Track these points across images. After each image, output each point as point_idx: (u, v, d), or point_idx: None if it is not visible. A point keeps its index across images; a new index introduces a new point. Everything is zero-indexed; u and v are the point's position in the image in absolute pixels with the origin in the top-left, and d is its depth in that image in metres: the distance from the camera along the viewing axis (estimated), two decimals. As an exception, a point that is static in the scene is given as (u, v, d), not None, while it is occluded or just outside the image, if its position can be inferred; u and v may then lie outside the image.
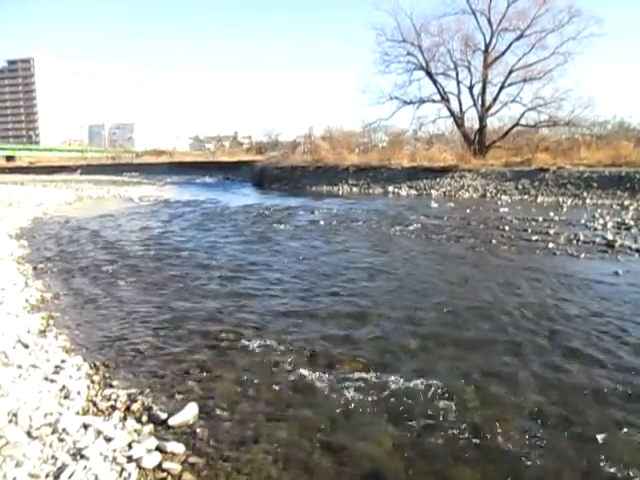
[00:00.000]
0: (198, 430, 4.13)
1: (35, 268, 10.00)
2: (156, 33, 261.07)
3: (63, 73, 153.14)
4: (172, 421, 4.20)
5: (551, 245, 12.33)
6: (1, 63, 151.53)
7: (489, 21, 35.02)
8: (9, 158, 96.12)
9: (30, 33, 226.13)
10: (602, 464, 3.73)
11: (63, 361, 5.24)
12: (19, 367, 4.96)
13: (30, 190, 35.41)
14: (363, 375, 5.14)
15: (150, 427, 4.10)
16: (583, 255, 11.14)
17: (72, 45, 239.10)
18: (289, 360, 5.56)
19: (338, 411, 4.48)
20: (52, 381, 4.72)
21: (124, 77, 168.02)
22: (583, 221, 16.37)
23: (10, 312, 6.79)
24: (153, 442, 3.82)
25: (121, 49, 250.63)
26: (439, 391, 4.81)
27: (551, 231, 14.35)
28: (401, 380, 5.01)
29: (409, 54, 37.44)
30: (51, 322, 6.68)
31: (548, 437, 4.07)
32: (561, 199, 24.19)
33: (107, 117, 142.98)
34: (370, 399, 4.67)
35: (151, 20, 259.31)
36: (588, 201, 23.36)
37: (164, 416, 4.26)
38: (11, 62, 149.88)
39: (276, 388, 4.93)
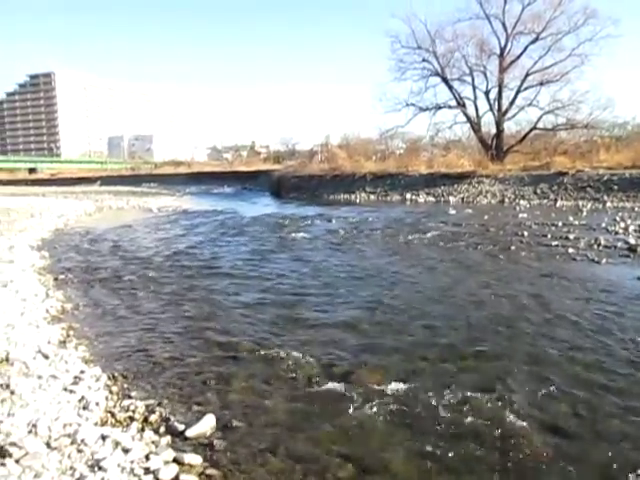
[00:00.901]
0: (215, 442, 4.11)
1: (56, 279, 10.13)
2: (172, 46, 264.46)
3: (83, 86, 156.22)
4: (189, 432, 4.19)
5: (571, 250, 12.14)
6: (23, 78, 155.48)
7: (504, 25, 34.85)
8: (31, 170, 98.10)
9: (51, 50, 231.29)
10: None
11: (82, 372, 5.28)
12: (39, 377, 5.01)
13: (51, 201, 36.02)
14: (382, 386, 5.08)
15: (168, 438, 4.10)
16: (604, 260, 10.94)
17: (90, 63, 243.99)
18: (307, 371, 5.53)
19: (356, 422, 4.43)
20: (71, 392, 4.76)
21: (143, 90, 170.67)
22: (604, 225, 16.10)
23: (31, 323, 6.88)
24: (170, 454, 3.82)
25: (139, 65, 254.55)
26: (460, 403, 4.73)
27: (571, 236, 14.13)
28: (420, 391, 4.95)
29: (424, 60, 37.42)
30: (71, 333, 6.74)
31: (573, 453, 3.97)
32: (581, 203, 23.85)
33: (126, 129, 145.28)
34: (389, 410, 4.61)
35: (167, 34, 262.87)
36: (609, 204, 22.98)
37: (182, 427, 4.25)
38: (33, 77, 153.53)
39: (294, 399, 4.91)
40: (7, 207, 28.16)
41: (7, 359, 5.40)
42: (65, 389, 4.81)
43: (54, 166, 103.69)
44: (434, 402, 4.73)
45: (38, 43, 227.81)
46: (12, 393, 4.56)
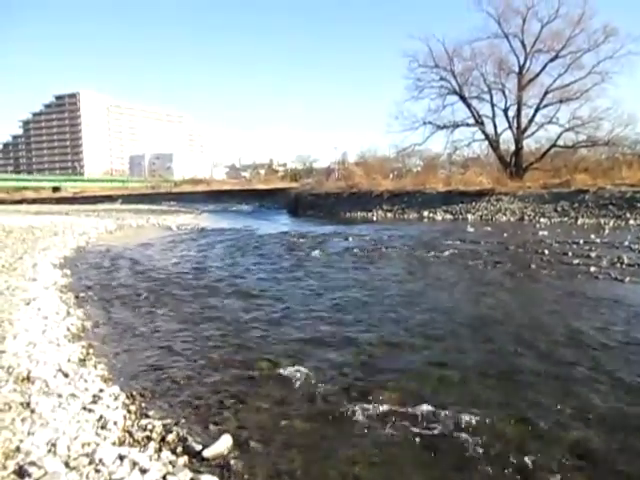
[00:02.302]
0: (232, 462, 4.09)
1: (77, 297, 10.25)
2: (192, 66, 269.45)
3: (106, 106, 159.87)
4: (206, 453, 4.18)
5: (593, 269, 11.94)
6: (49, 98, 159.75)
7: (522, 43, 34.93)
8: (55, 189, 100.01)
9: (74, 70, 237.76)
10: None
11: (101, 390, 5.31)
12: (59, 396, 5.04)
13: (74, 220, 36.55)
14: (399, 407, 5.02)
15: (185, 459, 4.09)
16: (628, 279, 10.74)
17: (110, 83, 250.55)
18: (324, 391, 5.49)
19: (373, 444, 4.38)
20: (90, 411, 4.78)
21: (164, 110, 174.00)
22: (627, 243, 15.85)
23: (52, 341, 6.95)
24: (187, 474, 3.80)
25: (158, 85, 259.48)
26: (480, 424, 4.64)
27: (593, 254, 13.92)
28: (439, 412, 4.86)
29: (442, 79, 37.62)
30: (91, 351, 6.80)
31: (596, 477, 3.87)
32: (602, 220, 23.53)
33: (147, 148, 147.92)
34: (407, 432, 4.55)
35: (186, 55, 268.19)
36: (632, 222, 22.63)
37: (199, 447, 4.24)
38: (58, 97, 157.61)
39: (311, 420, 4.87)
40: (31, 225, 28.67)
41: (28, 377, 5.46)
42: (84, 408, 4.83)
43: (77, 185, 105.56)
44: (454, 424, 4.64)
45: (63, 64, 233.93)
46: (32, 412, 4.60)
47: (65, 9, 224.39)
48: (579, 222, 24.17)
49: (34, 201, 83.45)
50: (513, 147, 36.45)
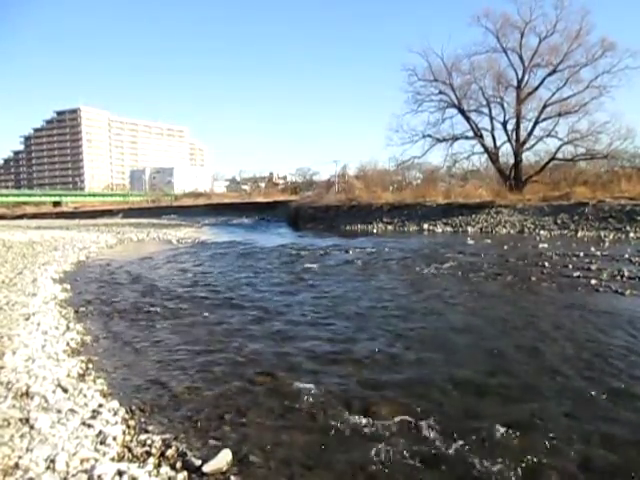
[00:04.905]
0: (232, 478, 4.06)
1: (76, 311, 10.24)
2: (192, 80, 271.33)
3: (108, 122, 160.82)
4: (206, 468, 4.15)
5: (594, 281, 11.93)
6: (50, 114, 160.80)
7: (521, 58, 35.29)
8: (56, 203, 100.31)
9: (77, 86, 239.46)
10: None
11: (100, 405, 5.28)
12: (58, 412, 5.02)
13: (74, 234, 36.60)
14: (400, 421, 4.99)
15: (184, 474, 4.05)
16: (629, 292, 10.73)
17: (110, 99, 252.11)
18: (325, 404, 5.46)
19: (375, 459, 4.34)
20: (89, 426, 4.75)
21: (164, 125, 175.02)
22: (627, 256, 15.85)
23: (51, 356, 6.93)
24: (187, 490, 3.78)
25: (157, 99, 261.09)
26: (481, 439, 4.61)
27: (593, 267, 13.92)
28: (440, 426, 4.84)
29: (441, 93, 37.97)
30: (90, 366, 6.77)
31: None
32: (602, 233, 23.56)
33: (148, 162, 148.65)
34: (408, 446, 4.51)
35: (185, 67, 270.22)
36: (632, 235, 22.66)
37: (198, 463, 4.21)
38: (59, 113, 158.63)
39: (311, 434, 4.83)
40: (32, 240, 28.75)
41: (27, 393, 5.44)
42: (83, 423, 4.81)
43: (78, 199, 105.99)
44: (456, 438, 4.62)
45: (64, 80, 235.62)
46: (31, 428, 4.58)
47: (66, 24, 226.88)
48: (579, 235, 24.20)
49: (34, 216, 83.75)
50: (512, 160, 36.67)
